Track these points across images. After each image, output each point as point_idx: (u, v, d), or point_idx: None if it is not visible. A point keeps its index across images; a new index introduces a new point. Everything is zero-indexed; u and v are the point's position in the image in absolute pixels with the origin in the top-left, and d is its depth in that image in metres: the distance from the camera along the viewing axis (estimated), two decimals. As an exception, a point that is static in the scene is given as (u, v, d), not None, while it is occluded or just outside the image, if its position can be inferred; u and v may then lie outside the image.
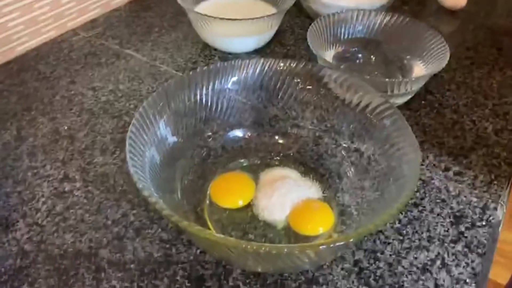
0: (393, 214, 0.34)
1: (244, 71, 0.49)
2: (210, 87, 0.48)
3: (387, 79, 0.52)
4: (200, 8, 0.70)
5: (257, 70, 0.49)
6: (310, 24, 0.59)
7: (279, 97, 0.50)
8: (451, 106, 0.59)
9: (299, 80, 0.49)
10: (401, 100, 0.57)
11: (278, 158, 0.50)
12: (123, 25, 0.73)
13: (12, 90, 0.59)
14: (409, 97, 0.57)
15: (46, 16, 0.67)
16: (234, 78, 0.49)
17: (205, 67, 0.47)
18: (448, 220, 0.45)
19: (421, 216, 0.45)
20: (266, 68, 0.49)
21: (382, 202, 0.40)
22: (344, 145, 0.48)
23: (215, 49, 0.68)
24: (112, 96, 0.59)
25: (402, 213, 0.45)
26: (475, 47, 0.70)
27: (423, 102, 0.59)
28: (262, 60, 0.48)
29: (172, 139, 0.45)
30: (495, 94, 0.61)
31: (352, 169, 0.46)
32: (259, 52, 0.67)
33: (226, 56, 0.67)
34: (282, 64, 0.48)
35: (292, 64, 0.48)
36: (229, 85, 0.49)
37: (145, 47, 0.68)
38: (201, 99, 0.47)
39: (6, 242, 0.42)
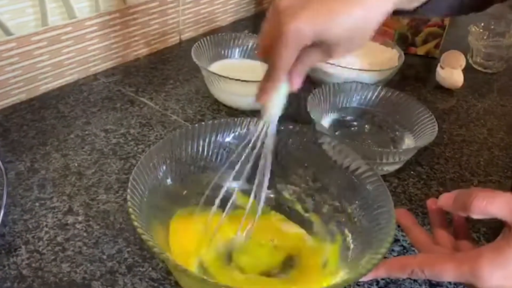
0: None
1: (245, 128, 0.53)
2: (212, 139, 0.52)
3: (378, 149, 0.56)
4: (214, 66, 0.75)
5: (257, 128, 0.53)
6: (312, 90, 0.64)
7: (275, 154, 0.54)
8: (438, 179, 0.62)
9: (295, 140, 0.53)
10: (391, 168, 0.60)
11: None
12: (140, 74, 0.79)
13: (31, 125, 0.64)
14: (399, 166, 0.61)
15: (72, 60, 0.73)
16: (236, 133, 0.53)
17: (210, 122, 0.51)
18: (424, 287, 0.47)
19: (398, 280, 0.48)
20: (265, 127, 0.53)
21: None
22: (331, 204, 0.51)
23: (223, 105, 0.72)
24: (122, 139, 0.63)
25: (380, 276, 0.48)
26: (467, 126, 0.74)
27: (412, 172, 0.63)
28: (262, 120, 0.52)
29: (171, 184, 0.48)
30: (481, 172, 0.64)
31: (338, 228, 0.49)
32: (264, 111, 0.72)
33: (233, 112, 0.71)
34: (280, 125, 0.52)
35: (289, 126, 0.53)
36: (230, 139, 0.53)
37: (159, 96, 0.73)
38: (202, 149, 0.51)
39: (7, 265, 0.45)
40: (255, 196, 0.46)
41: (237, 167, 0.46)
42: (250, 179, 0.46)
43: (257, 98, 0.42)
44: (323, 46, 0.38)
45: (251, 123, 0.53)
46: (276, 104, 0.43)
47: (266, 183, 0.45)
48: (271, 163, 0.45)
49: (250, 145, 0.45)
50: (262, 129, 0.45)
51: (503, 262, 0.34)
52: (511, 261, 0.34)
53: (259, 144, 0.45)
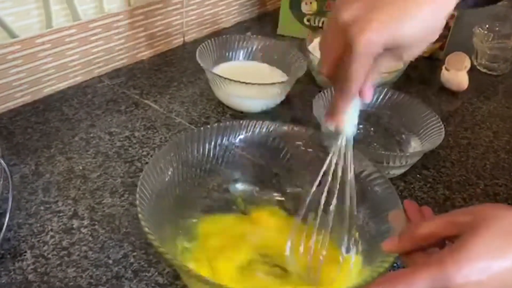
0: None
1: (251, 131, 0.53)
2: (218, 142, 0.51)
3: (385, 152, 0.56)
4: (219, 68, 0.75)
5: (263, 131, 0.53)
6: (318, 93, 0.64)
7: (281, 156, 0.53)
8: (444, 182, 0.62)
9: (300, 143, 0.53)
10: (397, 172, 0.60)
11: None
12: (145, 76, 0.79)
13: (36, 128, 0.64)
14: (405, 169, 0.60)
15: (76, 62, 0.73)
16: (241, 136, 0.53)
17: (215, 124, 0.51)
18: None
19: None
20: (271, 129, 0.53)
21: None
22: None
23: (228, 107, 0.72)
24: (127, 142, 0.63)
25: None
26: (473, 128, 0.74)
27: (418, 175, 0.62)
28: (268, 123, 0.52)
29: (178, 187, 0.48)
30: (488, 175, 0.64)
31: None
32: (269, 113, 0.72)
33: (237, 114, 0.71)
34: (286, 128, 0.52)
35: (295, 128, 0.53)
36: (236, 142, 0.52)
37: (163, 99, 0.73)
38: (208, 152, 0.51)
39: (12, 270, 0.45)
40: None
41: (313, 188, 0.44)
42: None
43: (330, 119, 0.40)
44: (394, 50, 0.36)
45: (257, 125, 0.53)
46: (350, 120, 0.41)
47: (348, 202, 0.43)
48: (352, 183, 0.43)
49: (331, 168, 0.43)
50: (339, 149, 0.42)
51: (467, 258, 0.31)
52: (474, 256, 0.31)
53: (339, 164, 0.43)
